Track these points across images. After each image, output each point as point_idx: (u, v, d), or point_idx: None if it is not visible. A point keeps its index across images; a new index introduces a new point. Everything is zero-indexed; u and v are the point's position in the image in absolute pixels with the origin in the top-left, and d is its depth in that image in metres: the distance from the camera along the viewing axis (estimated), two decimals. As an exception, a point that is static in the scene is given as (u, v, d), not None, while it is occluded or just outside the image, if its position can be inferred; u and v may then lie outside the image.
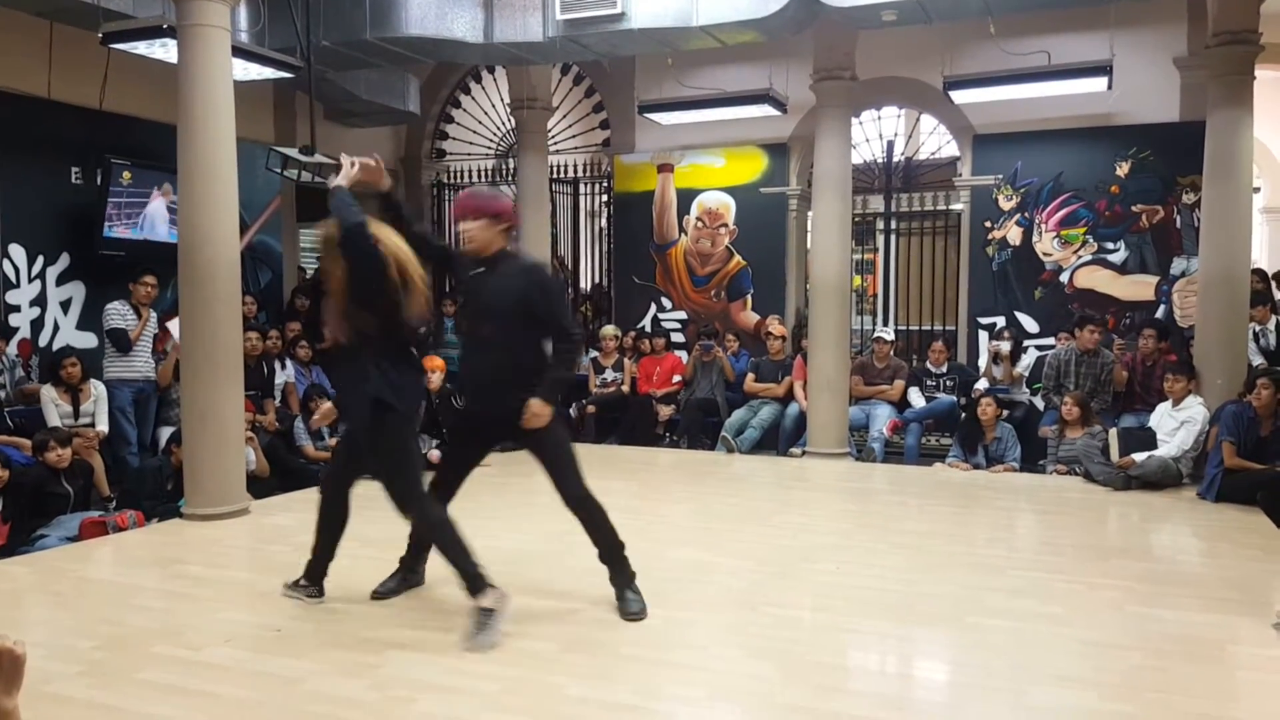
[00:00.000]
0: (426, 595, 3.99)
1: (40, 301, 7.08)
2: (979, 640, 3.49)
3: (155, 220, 7.50)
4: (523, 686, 3.06)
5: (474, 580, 3.43)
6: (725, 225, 9.57)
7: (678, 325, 9.72)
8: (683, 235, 9.74)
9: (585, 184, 10.61)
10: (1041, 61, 7.30)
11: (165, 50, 5.73)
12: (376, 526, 5.02)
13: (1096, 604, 3.89)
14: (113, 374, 6.65)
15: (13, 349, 6.71)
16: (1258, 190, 9.97)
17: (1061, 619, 3.70)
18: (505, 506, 5.56)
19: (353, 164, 3.66)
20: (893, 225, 9.37)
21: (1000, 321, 8.54)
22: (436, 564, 3.68)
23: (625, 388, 8.79)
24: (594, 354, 9.16)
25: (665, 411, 8.50)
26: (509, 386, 3.57)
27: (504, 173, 10.53)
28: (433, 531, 3.60)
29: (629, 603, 3.69)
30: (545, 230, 9.05)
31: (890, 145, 9.30)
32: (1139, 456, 6.20)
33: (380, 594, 3.96)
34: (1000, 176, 8.60)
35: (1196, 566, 4.76)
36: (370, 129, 9.78)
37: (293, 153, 6.36)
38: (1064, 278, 8.45)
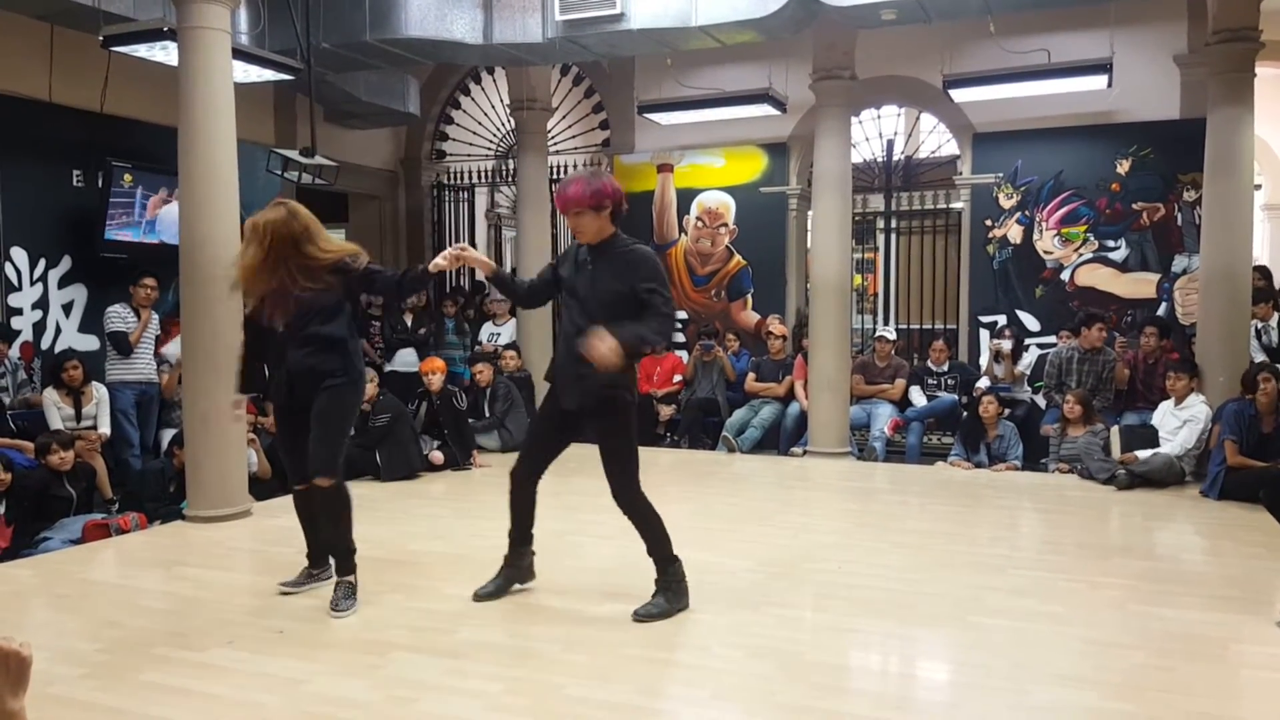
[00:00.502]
0: (428, 594, 3.99)
1: (42, 304, 7.09)
2: (980, 639, 3.49)
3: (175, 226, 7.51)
4: (524, 686, 3.06)
5: (349, 559, 3.89)
6: (725, 225, 9.57)
7: (678, 325, 9.73)
8: (683, 235, 9.74)
9: (586, 184, 10.60)
10: (1041, 60, 7.30)
11: (166, 53, 5.73)
12: (382, 527, 5.05)
13: (1098, 603, 3.89)
14: (115, 376, 6.66)
15: (15, 352, 6.72)
16: (1258, 187, 9.95)
17: (1063, 618, 3.69)
18: (506, 507, 5.56)
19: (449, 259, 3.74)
20: (893, 224, 9.37)
21: (1001, 320, 8.54)
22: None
23: (626, 388, 8.78)
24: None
25: (666, 411, 8.50)
26: (598, 379, 3.48)
27: (504, 174, 10.54)
28: (340, 504, 3.87)
29: (646, 605, 3.68)
30: (546, 231, 9.06)
31: (890, 144, 9.30)
32: (1143, 454, 6.20)
33: (483, 595, 3.90)
34: (1000, 175, 8.60)
35: (1199, 565, 4.75)
36: (370, 130, 9.80)
37: (293, 154, 6.38)
38: (1065, 276, 8.45)
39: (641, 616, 3.63)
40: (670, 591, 3.72)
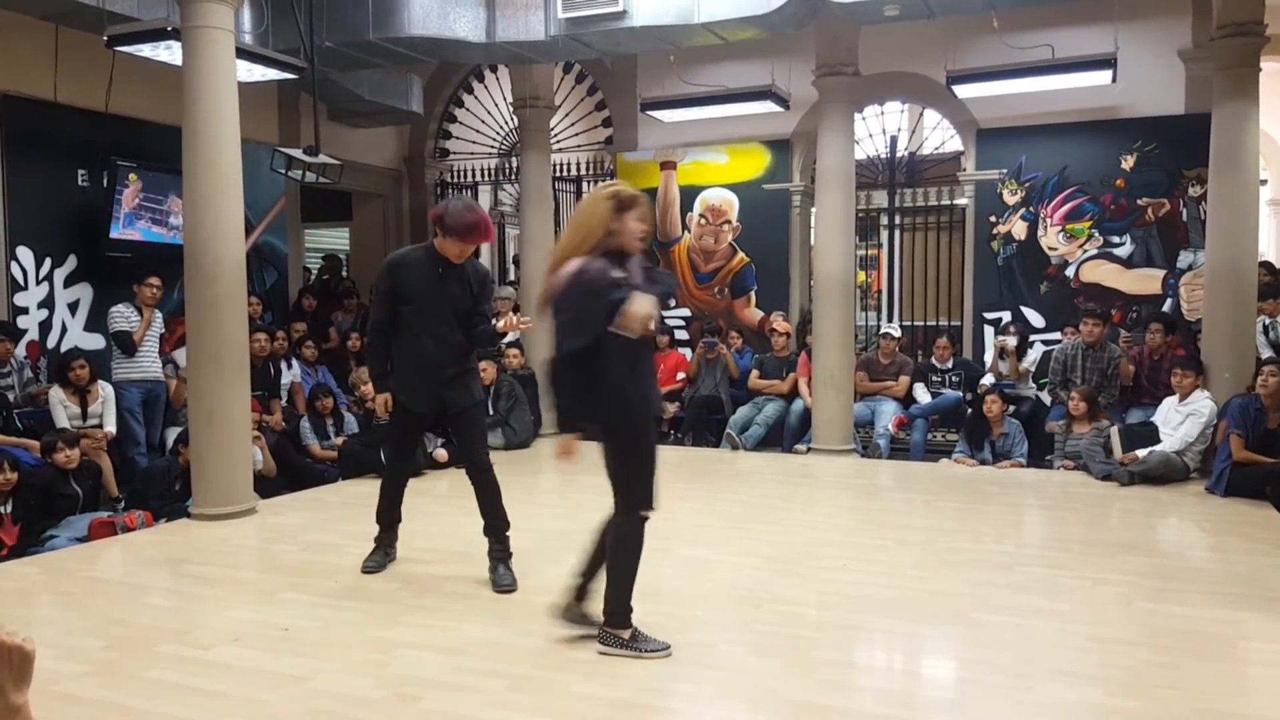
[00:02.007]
0: (432, 592, 4.00)
1: (48, 303, 7.11)
2: (985, 636, 3.49)
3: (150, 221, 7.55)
4: (529, 683, 3.07)
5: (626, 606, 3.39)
6: (728, 222, 9.56)
7: (681, 322, 9.72)
8: (686, 232, 9.73)
9: (588, 182, 10.60)
10: (1045, 55, 7.28)
11: (170, 53, 5.75)
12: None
13: (1103, 599, 3.89)
14: (120, 375, 6.68)
15: (21, 351, 6.74)
16: (1264, 182, 9.93)
17: (1068, 615, 3.69)
18: (506, 505, 5.56)
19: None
20: (897, 221, 9.35)
21: (1006, 316, 8.52)
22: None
23: (630, 385, 8.78)
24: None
25: (669, 409, 8.50)
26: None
27: (507, 171, 10.55)
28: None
29: (501, 575, 4.02)
30: (549, 229, 9.05)
31: (893, 140, 9.28)
32: (1141, 453, 6.19)
33: (370, 569, 4.20)
34: (1005, 171, 8.58)
35: (1204, 561, 4.74)
36: (373, 129, 9.81)
37: (297, 153, 6.40)
38: (1070, 272, 8.43)
39: (505, 588, 3.96)
40: (510, 561, 4.08)
